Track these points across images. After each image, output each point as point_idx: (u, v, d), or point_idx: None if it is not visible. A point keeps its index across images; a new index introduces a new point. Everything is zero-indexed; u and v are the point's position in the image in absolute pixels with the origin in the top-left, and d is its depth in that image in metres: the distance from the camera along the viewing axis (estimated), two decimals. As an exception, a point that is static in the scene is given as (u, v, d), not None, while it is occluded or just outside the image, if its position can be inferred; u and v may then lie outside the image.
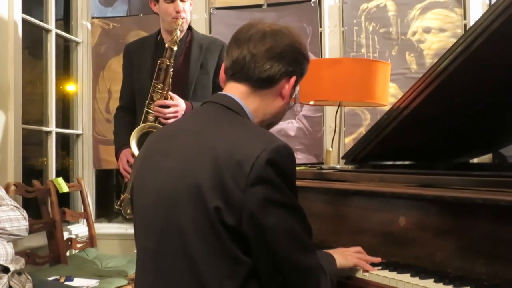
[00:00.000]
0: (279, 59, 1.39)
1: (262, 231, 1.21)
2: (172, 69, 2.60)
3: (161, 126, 2.51)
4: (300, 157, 3.61)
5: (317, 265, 1.34)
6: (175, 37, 2.60)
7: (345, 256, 1.58)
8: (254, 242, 1.23)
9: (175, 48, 2.60)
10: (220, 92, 1.44)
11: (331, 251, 1.57)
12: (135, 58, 2.84)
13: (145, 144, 1.49)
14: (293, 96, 1.50)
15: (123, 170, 2.72)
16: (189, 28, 2.83)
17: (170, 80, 2.60)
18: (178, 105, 2.59)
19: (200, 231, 1.22)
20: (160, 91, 2.59)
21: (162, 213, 1.30)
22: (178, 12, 2.67)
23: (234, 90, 1.41)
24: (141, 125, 2.58)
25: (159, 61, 2.60)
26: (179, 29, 2.63)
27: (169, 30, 2.70)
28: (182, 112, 2.59)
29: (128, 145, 2.65)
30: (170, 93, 2.60)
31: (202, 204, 1.21)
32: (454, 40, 1.80)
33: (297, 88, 1.51)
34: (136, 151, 2.52)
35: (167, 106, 2.58)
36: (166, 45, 2.61)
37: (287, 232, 1.24)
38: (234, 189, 1.20)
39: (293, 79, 1.42)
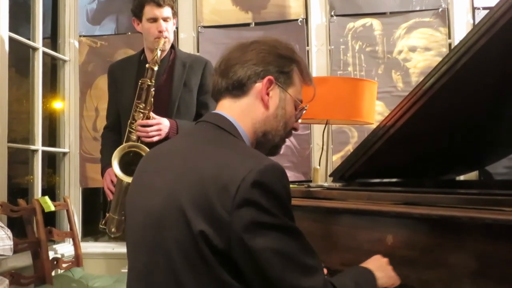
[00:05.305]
0: (243, 63, 1.40)
1: (251, 254, 1.17)
2: (153, 89, 2.58)
3: (143, 146, 2.51)
4: (288, 175, 3.59)
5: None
6: (155, 57, 2.59)
7: (388, 276, 1.48)
8: (246, 267, 1.19)
9: (155, 68, 2.58)
10: (212, 111, 1.45)
11: (370, 265, 1.47)
12: (118, 78, 2.84)
13: (139, 163, 1.49)
14: (297, 100, 1.50)
15: (107, 189, 2.72)
16: (172, 46, 2.82)
17: (152, 99, 2.58)
18: (161, 123, 2.58)
19: (186, 254, 1.20)
20: (142, 110, 2.58)
21: (150, 234, 1.28)
22: (160, 31, 2.65)
23: (220, 107, 1.44)
24: (123, 145, 2.56)
25: (140, 81, 2.59)
26: (160, 49, 2.62)
27: (152, 49, 2.69)
28: (166, 130, 2.58)
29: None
30: (151, 113, 2.59)
31: (187, 227, 1.19)
32: (439, 59, 1.82)
33: (297, 92, 1.49)
34: (117, 171, 2.49)
35: (150, 125, 2.57)
36: (147, 66, 2.60)
37: (279, 254, 1.19)
38: (221, 212, 1.17)
39: (267, 79, 1.40)
